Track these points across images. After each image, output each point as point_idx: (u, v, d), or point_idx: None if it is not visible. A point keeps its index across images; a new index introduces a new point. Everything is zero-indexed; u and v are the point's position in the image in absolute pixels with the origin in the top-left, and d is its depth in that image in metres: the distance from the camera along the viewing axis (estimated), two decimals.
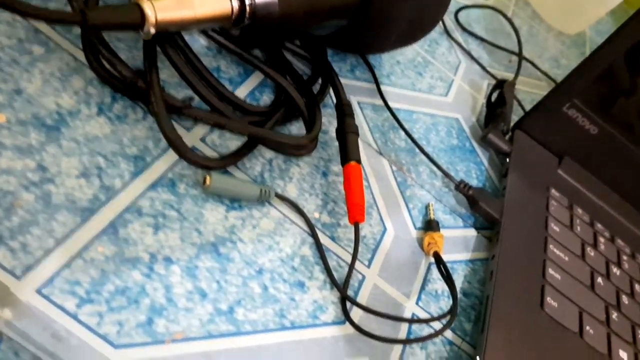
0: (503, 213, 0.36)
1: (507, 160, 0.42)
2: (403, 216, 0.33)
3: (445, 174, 0.37)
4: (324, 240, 0.29)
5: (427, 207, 0.35)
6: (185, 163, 0.26)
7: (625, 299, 0.37)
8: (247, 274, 0.25)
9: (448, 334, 0.30)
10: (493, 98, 0.46)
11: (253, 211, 0.27)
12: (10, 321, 0.19)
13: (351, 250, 0.29)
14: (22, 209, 0.21)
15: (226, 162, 0.27)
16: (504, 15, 0.59)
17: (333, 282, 0.27)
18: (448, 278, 0.30)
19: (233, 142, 0.29)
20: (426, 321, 0.27)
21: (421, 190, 0.36)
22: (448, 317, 0.28)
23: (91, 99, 0.26)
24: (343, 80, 0.38)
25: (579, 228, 0.40)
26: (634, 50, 0.39)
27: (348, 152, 0.30)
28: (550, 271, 0.34)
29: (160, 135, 0.26)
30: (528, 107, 0.51)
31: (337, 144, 0.33)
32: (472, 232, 0.36)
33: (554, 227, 0.38)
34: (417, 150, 0.38)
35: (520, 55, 0.55)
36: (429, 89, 0.44)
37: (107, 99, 0.26)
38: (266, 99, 0.32)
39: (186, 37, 0.28)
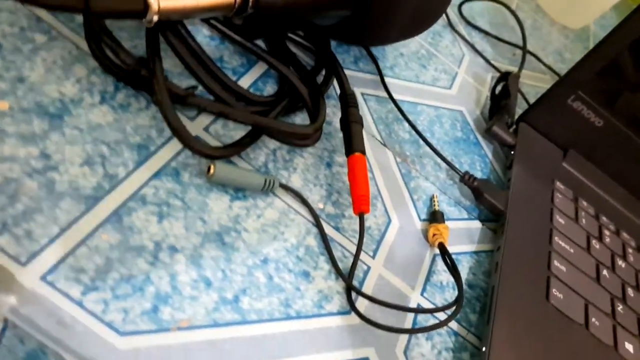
0: (508, 205, 0.36)
1: (512, 152, 0.41)
2: (408, 208, 0.33)
3: (450, 166, 0.36)
4: (328, 230, 0.29)
5: (431, 198, 0.35)
6: (189, 152, 0.26)
7: (630, 292, 0.37)
8: (252, 263, 0.25)
9: (453, 325, 0.30)
10: (497, 90, 0.45)
11: (257, 201, 0.27)
12: (16, 308, 0.18)
13: (355, 241, 0.29)
14: (26, 196, 0.21)
15: (230, 152, 0.27)
16: (508, 8, 0.58)
17: (338, 272, 0.27)
18: (453, 269, 0.30)
19: (237, 132, 0.29)
20: (432, 311, 0.27)
21: (425, 182, 0.36)
22: (454, 308, 0.28)
23: (94, 87, 0.25)
24: (346, 72, 0.37)
25: (584, 221, 0.39)
26: (639, 43, 0.39)
27: (352, 143, 0.30)
28: (556, 263, 0.34)
29: (163, 125, 0.26)
30: (532, 100, 0.50)
31: (341, 135, 0.33)
32: (476, 224, 0.36)
33: (559, 219, 0.38)
34: (421, 142, 0.38)
35: (524, 48, 0.54)
36: (432, 82, 0.44)
37: (110, 88, 0.26)
38: (269, 89, 0.32)
39: (189, 27, 0.28)
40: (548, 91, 0.43)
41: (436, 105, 0.42)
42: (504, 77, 0.45)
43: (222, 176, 0.26)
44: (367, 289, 0.28)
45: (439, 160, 0.38)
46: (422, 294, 0.30)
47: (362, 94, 0.37)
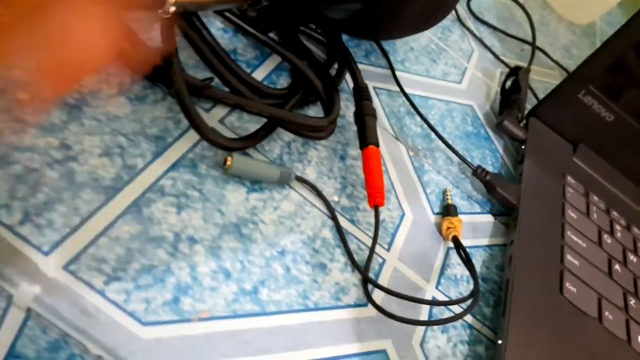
0: (520, 199, 0.36)
1: (522, 147, 0.41)
2: (421, 201, 0.33)
3: (463, 160, 0.36)
4: (343, 223, 0.29)
5: (444, 192, 0.35)
6: (205, 144, 0.26)
7: None
8: (270, 255, 0.25)
9: (468, 318, 0.30)
10: (507, 85, 0.45)
11: (273, 193, 0.27)
12: (40, 297, 0.18)
13: (370, 234, 0.29)
14: (47, 186, 0.21)
15: (246, 144, 0.27)
16: (518, 3, 0.58)
17: (354, 265, 0.27)
18: (468, 262, 0.30)
19: (251, 125, 0.29)
20: (449, 303, 0.27)
21: (438, 175, 0.36)
22: (470, 301, 0.28)
23: (111, 79, 0.25)
24: (358, 66, 0.37)
25: (595, 215, 0.39)
26: None
27: (367, 136, 0.30)
28: (569, 257, 0.34)
29: (180, 116, 0.26)
30: (540, 95, 0.50)
31: (354, 128, 0.33)
32: (488, 218, 0.36)
33: (571, 213, 0.38)
34: (432, 136, 0.38)
35: (533, 43, 0.54)
36: (443, 76, 0.44)
37: (127, 80, 0.26)
38: (283, 82, 0.32)
39: (203, 19, 0.28)
40: (559, 86, 0.43)
41: (447, 99, 0.42)
42: (514, 71, 0.45)
43: (239, 168, 0.25)
44: (382, 281, 0.28)
45: (450, 154, 0.38)
46: (436, 287, 0.30)
47: (374, 88, 0.37)
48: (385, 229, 0.30)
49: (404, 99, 0.38)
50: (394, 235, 0.30)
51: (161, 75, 0.26)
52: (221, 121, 0.28)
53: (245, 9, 0.27)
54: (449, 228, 0.32)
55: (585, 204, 0.40)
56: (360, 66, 0.38)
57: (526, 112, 0.45)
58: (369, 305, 0.26)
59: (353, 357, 0.24)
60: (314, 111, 0.32)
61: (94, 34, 0.17)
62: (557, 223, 0.36)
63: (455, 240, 0.31)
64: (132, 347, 0.19)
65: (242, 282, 0.23)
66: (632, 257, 0.38)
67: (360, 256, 0.28)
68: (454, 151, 0.37)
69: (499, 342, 0.28)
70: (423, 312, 0.28)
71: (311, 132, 0.29)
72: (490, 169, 0.40)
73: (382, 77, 0.38)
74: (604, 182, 0.43)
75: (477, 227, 0.35)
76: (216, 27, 0.32)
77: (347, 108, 0.34)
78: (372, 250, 0.28)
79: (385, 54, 0.40)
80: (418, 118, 0.38)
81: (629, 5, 0.83)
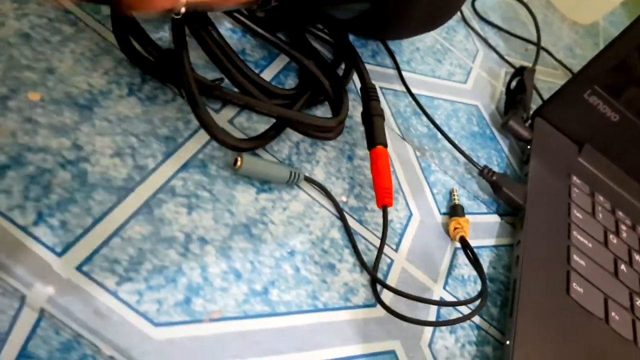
0: (527, 199, 0.36)
1: (528, 147, 0.41)
2: (428, 201, 0.33)
3: (469, 160, 0.36)
4: (351, 223, 0.29)
5: (451, 192, 0.35)
6: (215, 144, 0.26)
7: None
8: (280, 255, 0.25)
9: (475, 318, 0.30)
10: (512, 85, 0.45)
11: (282, 194, 0.27)
12: (54, 298, 0.18)
13: (378, 234, 0.29)
14: (60, 187, 0.21)
15: (256, 144, 0.27)
16: (523, 3, 0.58)
17: (363, 265, 0.27)
18: (476, 262, 0.30)
19: (260, 125, 0.29)
20: (457, 304, 0.27)
21: (445, 176, 0.36)
22: (478, 302, 0.28)
23: (121, 79, 0.25)
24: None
25: (600, 215, 0.39)
26: None
27: (375, 136, 0.30)
28: (575, 257, 0.34)
29: (190, 117, 0.26)
30: (544, 95, 0.51)
31: (361, 128, 0.33)
32: (495, 218, 0.36)
33: (577, 214, 0.38)
34: (439, 136, 0.38)
35: (538, 43, 0.54)
36: (448, 76, 0.44)
37: (137, 80, 0.26)
38: (291, 82, 0.32)
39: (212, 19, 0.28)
40: (564, 86, 0.43)
41: (452, 99, 0.42)
42: (520, 71, 0.45)
43: (248, 169, 0.26)
44: (390, 281, 0.28)
45: (457, 154, 0.38)
46: (444, 288, 0.30)
47: (381, 88, 0.37)
48: (393, 229, 0.30)
49: (410, 99, 0.38)
50: (401, 235, 0.30)
51: (171, 75, 0.26)
52: (230, 121, 0.28)
53: (254, 9, 0.27)
54: (456, 228, 0.32)
55: (590, 204, 0.40)
56: (366, 66, 0.38)
57: (531, 112, 0.45)
58: (378, 305, 0.26)
59: (362, 357, 0.24)
60: (322, 111, 0.32)
61: None
62: (563, 223, 0.36)
63: (463, 241, 0.31)
64: (145, 348, 0.19)
65: (252, 283, 0.23)
66: (637, 257, 0.38)
67: (369, 257, 0.28)
68: (460, 151, 0.37)
69: (507, 342, 0.28)
70: (431, 313, 0.28)
71: (320, 132, 0.29)
72: (496, 169, 0.40)
73: (388, 77, 0.38)
74: (609, 182, 0.44)
75: (483, 227, 0.35)
76: (225, 27, 0.32)
77: (354, 108, 0.34)
78: (380, 250, 0.28)
79: (391, 54, 0.40)
80: (424, 118, 0.38)
81: (632, 5, 0.83)
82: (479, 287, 0.31)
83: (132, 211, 0.22)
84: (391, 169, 0.33)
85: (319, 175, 0.29)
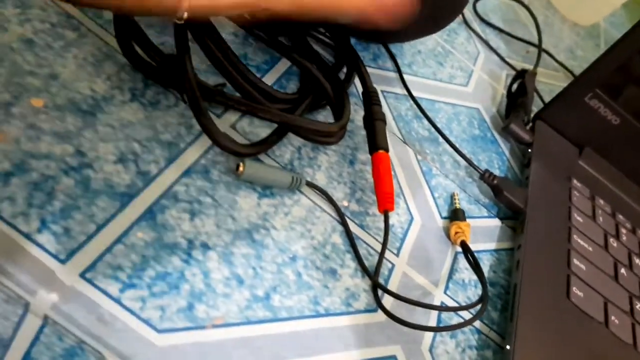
0: (527, 203, 0.36)
1: (529, 150, 0.41)
2: (429, 205, 0.33)
3: (470, 164, 0.37)
4: (353, 228, 0.29)
5: (452, 196, 0.35)
6: (217, 149, 0.26)
7: None
8: (282, 260, 0.25)
9: (476, 322, 0.30)
10: (514, 88, 0.45)
11: (284, 199, 0.27)
12: (57, 305, 0.19)
13: (379, 239, 0.29)
14: (63, 194, 0.21)
15: (258, 149, 0.27)
16: (524, 5, 0.58)
17: (364, 270, 0.27)
18: (476, 267, 0.30)
19: (263, 130, 0.29)
20: (458, 309, 0.27)
21: (446, 179, 0.36)
22: (479, 307, 0.28)
23: (124, 84, 0.25)
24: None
25: (601, 219, 0.39)
26: None
27: (376, 141, 0.30)
28: (575, 261, 0.34)
29: (192, 122, 0.26)
30: (545, 98, 0.51)
31: (363, 132, 0.33)
32: (496, 222, 0.36)
33: (577, 217, 0.38)
34: (440, 139, 0.38)
35: (539, 46, 0.54)
36: (449, 79, 0.44)
37: (140, 85, 0.26)
38: (292, 86, 0.32)
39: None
40: (565, 89, 0.43)
41: (453, 102, 0.42)
42: (521, 74, 0.45)
43: (251, 174, 0.26)
44: (392, 286, 0.28)
45: (458, 157, 0.38)
46: (445, 292, 0.30)
47: (382, 91, 0.37)
48: (394, 234, 0.30)
49: (411, 102, 0.38)
50: (402, 240, 0.30)
51: (174, 81, 0.26)
52: (233, 126, 0.28)
53: (255, 15, 0.27)
54: (457, 233, 0.32)
55: (591, 207, 0.40)
56: (368, 69, 0.38)
57: (532, 115, 0.45)
58: (379, 310, 0.27)
59: None
60: (323, 115, 0.32)
61: None
62: (563, 227, 0.36)
63: (464, 245, 0.31)
64: (148, 355, 0.19)
65: (254, 289, 0.23)
66: (637, 261, 0.38)
67: (370, 261, 0.28)
68: (461, 155, 0.37)
69: (507, 347, 0.28)
70: (432, 317, 0.28)
71: (321, 137, 0.29)
72: (496, 172, 0.40)
73: (389, 80, 0.38)
74: (609, 185, 0.44)
75: (484, 231, 0.35)
76: (227, 31, 0.32)
77: (355, 112, 0.34)
78: (381, 255, 0.28)
79: (393, 58, 0.40)
80: (425, 122, 0.38)
81: (633, 7, 0.83)
82: (479, 291, 0.31)
83: (135, 217, 0.22)
84: (392, 173, 0.33)
85: (320, 180, 0.29)
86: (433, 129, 0.38)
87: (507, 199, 0.36)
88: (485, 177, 0.36)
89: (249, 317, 0.22)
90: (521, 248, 0.33)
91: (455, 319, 0.29)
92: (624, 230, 0.40)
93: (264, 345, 0.22)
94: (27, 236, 0.19)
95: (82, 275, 0.20)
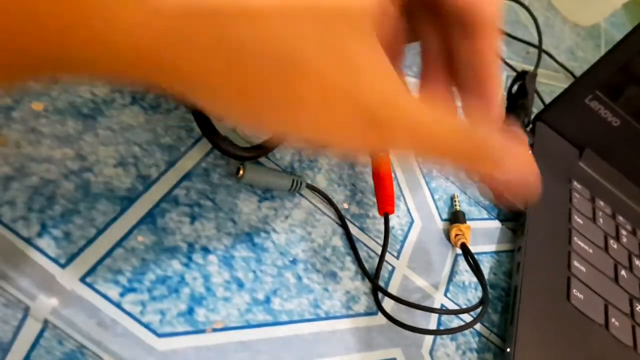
0: (527, 205, 0.36)
1: (529, 151, 0.41)
2: (429, 207, 0.33)
3: None
4: (353, 231, 0.29)
5: (452, 198, 0.35)
6: (218, 153, 0.26)
7: None
8: (282, 264, 0.25)
9: (476, 325, 0.30)
10: (514, 90, 0.45)
11: (285, 202, 0.27)
12: (58, 309, 0.19)
13: (380, 241, 0.29)
14: (64, 198, 0.21)
15: (259, 153, 0.27)
16: (524, 6, 0.58)
17: (365, 274, 0.27)
18: (477, 269, 0.30)
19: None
20: (458, 312, 0.27)
21: (446, 181, 0.36)
22: (479, 309, 0.28)
23: (124, 88, 0.25)
24: None
25: (601, 220, 0.39)
26: None
27: None
28: (576, 263, 0.34)
29: (192, 125, 0.26)
30: (546, 99, 0.50)
31: None
32: (496, 224, 0.36)
33: (577, 219, 0.38)
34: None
35: (540, 47, 0.54)
36: None
37: (140, 89, 0.26)
38: None
39: None
40: (565, 90, 0.43)
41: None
42: (521, 76, 0.45)
43: (251, 177, 0.26)
44: (392, 289, 0.28)
45: None
46: (445, 294, 0.30)
47: None
48: (394, 236, 0.30)
49: None
50: (403, 242, 0.30)
51: None
52: (233, 130, 0.28)
53: None
54: (457, 235, 0.32)
55: (591, 209, 0.40)
56: None
57: (532, 116, 0.45)
58: (379, 313, 0.27)
59: None
60: None
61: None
62: (564, 229, 0.36)
63: (464, 248, 0.31)
64: (148, 359, 0.19)
65: (254, 292, 0.23)
66: (637, 262, 0.38)
67: (370, 264, 0.28)
68: None
69: (508, 349, 0.28)
70: (432, 320, 0.28)
71: None
72: None
73: None
74: (609, 186, 0.44)
75: (484, 233, 0.35)
76: None
77: None
78: (382, 258, 0.28)
79: None
80: None
81: (633, 7, 0.83)
82: (479, 293, 0.31)
83: (136, 221, 0.22)
84: (392, 175, 0.33)
85: (320, 182, 0.29)
86: None
87: (507, 201, 0.36)
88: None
89: (249, 321, 0.22)
90: (521, 250, 0.33)
91: (455, 322, 0.29)
92: (624, 232, 0.40)
93: (264, 349, 0.22)
94: (28, 240, 0.19)
95: (82, 279, 0.20)
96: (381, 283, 0.28)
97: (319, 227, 0.28)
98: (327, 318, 0.25)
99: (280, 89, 0.13)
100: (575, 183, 0.41)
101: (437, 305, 0.29)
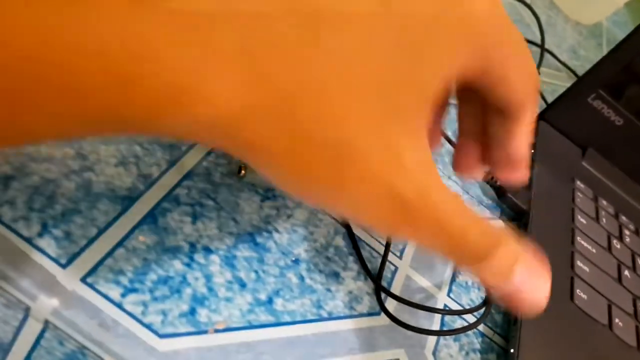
0: (530, 204, 0.36)
1: (532, 151, 0.41)
2: None
3: None
4: (356, 230, 0.29)
5: None
6: (219, 152, 0.26)
7: None
8: (284, 264, 0.25)
9: (480, 325, 0.30)
10: None
11: (287, 201, 0.27)
12: (59, 310, 0.18)
13: (382, 241, 0.29)
14: (64, 197, 0.21)
15: None
16: (526, 4, 0.58)
17: (367, 274, 0.27)
18: None
19: None
20: (462, 312, 0.27)
21: (448, 180, 0.36)
22: (482, 310, 0.28)
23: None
24: None
25: (604, 220, 0.39)
26: None
27: None
28: (579, 263, 0.34)
29: None
30: (548, 98, 0.50)
31: None
32: (498, 224, 0.36)
33: (581, 219, 0.38)
34: (442, 140, 0.38)
35: (542, 45, 0.54)
36: None
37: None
38: None
39: None
40: (568, 90, 0.43)
41: (454, 103, 0.42)
42: None
43: (253, 176, 0.25)
44: (395, 289, 0.28)
45: None
46: (448, 294, 0.30)
47: None
48: None
49: None
50: (405, 242, 0.30)
51: None
52: None
53: None
54: None
55: (594, 208, 0.40)
56: None
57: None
58: (382, 314, 0.26)
59: None
60: None
61: None
62: (567, 228, 0.36)
63: None
64: None
65: (257, 292, 0.23)
66: None
67: (373, 264, 0.28)
68: None
69: (511, 350, 0.28)
70: (435, 320, 0.28)
71: None
72: None
73: None
74: (612, 186, 0.43)
75: None
76: None
77: None
78: (384, 258, 0.28)
79: None
80: None
81: (635, 6, 0.83)
82: (482, 293, 0.31)
83: (137, 221, 0.22)
84: None
85: None
86: None
87: (510, 201, 0.36)
88: (488, 178, 0.36)
89: (251, 322, 0.22)
90: None
91: (459, 322, 0.29)
92: (627, 232, 0.40)
93: (266, 349, 0.22)
94: (28, 240, 0.19)
95: (83, 279, 0.19)
96: (384, 283, 0.28)
97: (322, 226, 0.27)
98: (330, 319, 0.25)
99: (329, 170, 0.14)
100: (578, 182, 0.41)
101: (440, 306, 0.29)
